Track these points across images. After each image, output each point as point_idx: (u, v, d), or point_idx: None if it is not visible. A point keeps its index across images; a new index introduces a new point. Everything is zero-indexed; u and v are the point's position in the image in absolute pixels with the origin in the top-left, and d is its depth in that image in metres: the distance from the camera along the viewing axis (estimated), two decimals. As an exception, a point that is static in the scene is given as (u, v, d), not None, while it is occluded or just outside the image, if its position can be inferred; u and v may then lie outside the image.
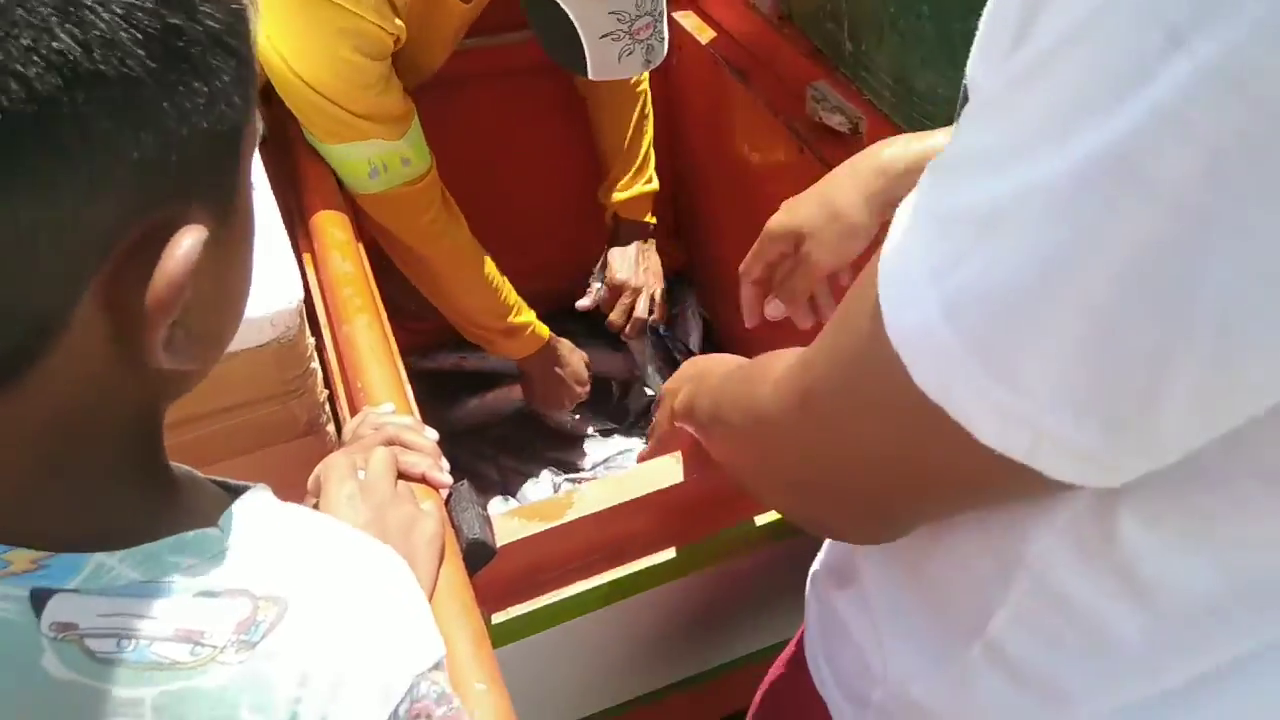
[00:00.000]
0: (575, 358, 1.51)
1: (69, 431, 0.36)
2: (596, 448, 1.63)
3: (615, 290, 1.49)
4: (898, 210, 0.37)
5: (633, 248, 1.51)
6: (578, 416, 1.65)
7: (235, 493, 0.42)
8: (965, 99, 0.39)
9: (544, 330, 1.43)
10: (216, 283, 0.37)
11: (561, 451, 1.62)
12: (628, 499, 0.78)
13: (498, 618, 0.76)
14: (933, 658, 0.50)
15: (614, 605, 0.78)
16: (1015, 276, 0.31)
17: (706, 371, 0.66)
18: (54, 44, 0.29)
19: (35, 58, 0.29)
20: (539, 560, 0.75)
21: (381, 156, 1.13)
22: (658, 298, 1.52)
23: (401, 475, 0.72)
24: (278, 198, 0.97)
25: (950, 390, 0.33)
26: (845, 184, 0.80)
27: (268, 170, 0.98)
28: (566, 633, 0.77)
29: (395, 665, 0.40)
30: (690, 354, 1.61)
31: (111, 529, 0.37)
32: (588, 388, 1.54)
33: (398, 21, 1.06)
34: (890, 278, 0.35)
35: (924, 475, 0.39)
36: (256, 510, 0.41)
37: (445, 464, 0.76)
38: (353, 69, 1.05)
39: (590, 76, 1.16)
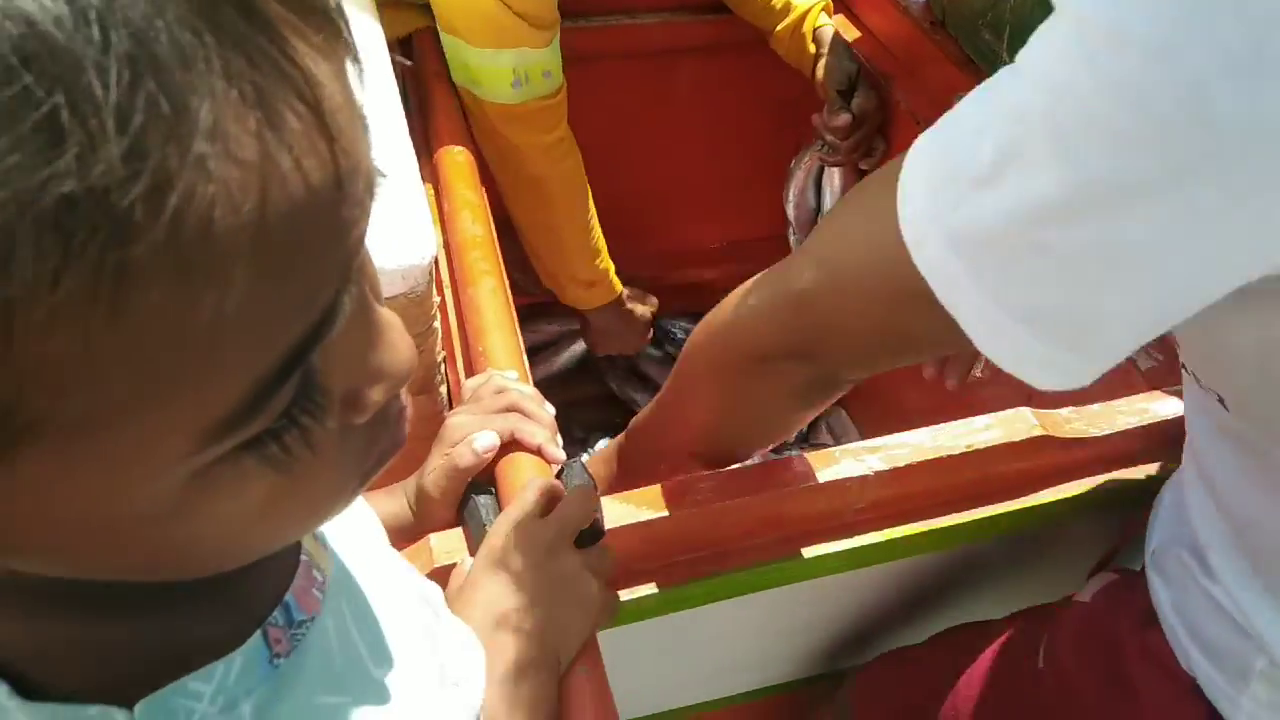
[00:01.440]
0: (642, 308, 1.52)
1: None
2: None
3: (859, 120, 1.34)
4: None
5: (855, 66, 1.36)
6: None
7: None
8: None
9: (618, 284, 1.44)
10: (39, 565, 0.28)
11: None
12: (745, 496, 0.75)
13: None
14: None
15: (720, 602, 0.75)
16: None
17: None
18: None
19: None
20: (646, 548, 0.73)
21: (526, 66, 1.15)
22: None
23: (518, 445, 0.71)
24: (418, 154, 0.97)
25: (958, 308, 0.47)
26: None
27: (408, 123, 0.97)
28: (670, 623, 0.75)
29: None
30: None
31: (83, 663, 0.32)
32: (650, 336, 1.56)
33: None
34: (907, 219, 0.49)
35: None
36: (185, 709, 0.32)
37: (560, 439, 0.75)
38: None
39: None
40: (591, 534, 0.66)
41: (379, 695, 0.39)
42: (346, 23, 0.26)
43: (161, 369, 0.23)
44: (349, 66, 0.26)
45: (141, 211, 0.20)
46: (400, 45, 1.26)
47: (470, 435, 0.69)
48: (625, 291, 1.47)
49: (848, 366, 0.64)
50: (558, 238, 1.35)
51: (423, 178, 1.06)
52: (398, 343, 0.31)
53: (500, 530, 0.62)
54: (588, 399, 1.70)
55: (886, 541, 0.77)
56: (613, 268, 1.43)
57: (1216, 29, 0.36)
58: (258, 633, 0.35)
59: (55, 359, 0.21)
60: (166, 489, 0.26)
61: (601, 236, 1.38)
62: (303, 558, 0.39)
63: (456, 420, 0.72)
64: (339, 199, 0.25)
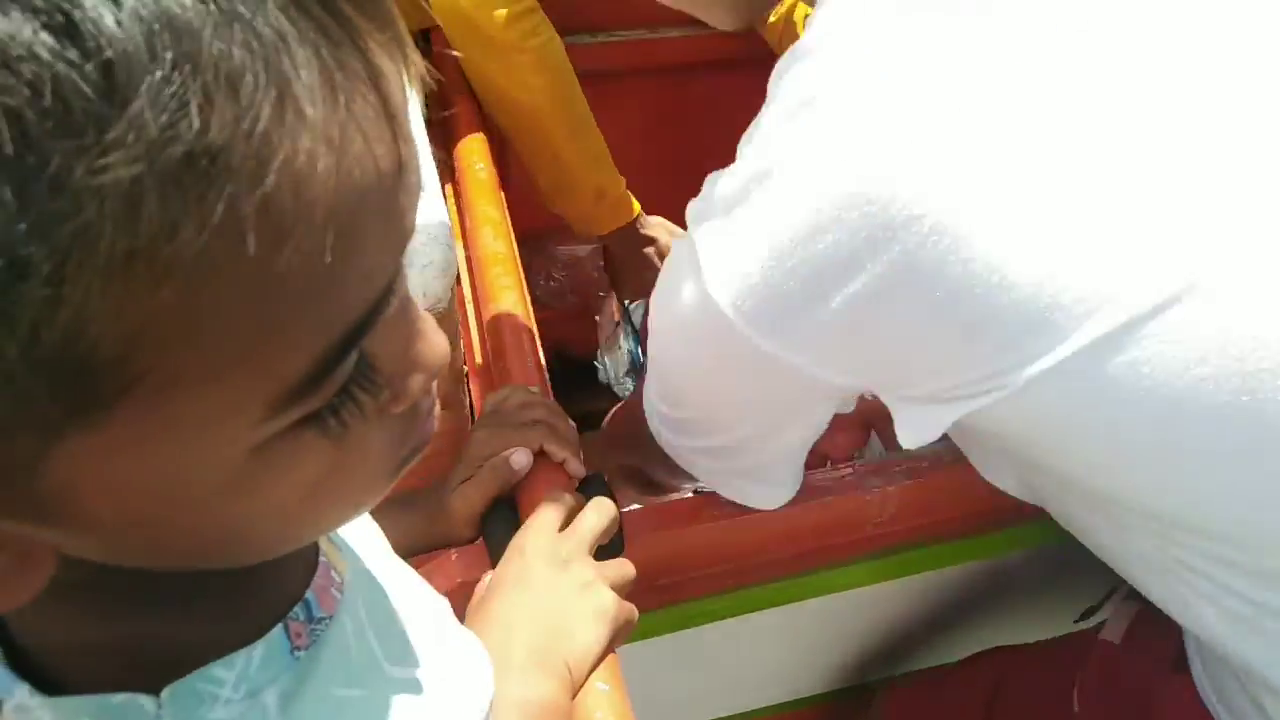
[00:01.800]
0: (664, 233, 1.41)
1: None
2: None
3: None
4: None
5: None
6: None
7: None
8: None
9: (635, 204, 1.35)
10: (91, 551, 0.29)
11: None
12: (762, 511, 0.76)
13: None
14: None
15: (739, 618, 0.75)
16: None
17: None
18: None
19: None
20: (666, 563, 0.74)
21: None
22: None
23: (540, 459, 0.72)
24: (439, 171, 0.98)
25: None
26: None
27: (429, 135, 0.98)
28: (689, 638, 0.75)
29: None
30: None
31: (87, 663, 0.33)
32: None
33: None
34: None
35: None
36: (208, 695, 0.34)
37: (581, 454, 0.75)
38: None
39: None
40: (610, 548, 0.66)
41: (395, 691, 0.40)
42: (404, 27, 0.28)
43: (248, 329, 0.25)
44: (403, 69, 0.28)
45: (249, 171, 0.23)
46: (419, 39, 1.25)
47: (504, 453, 0.70)
48: (642, 216, 1.36)
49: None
50: (560, 155, 1.24)
51: (444, 193, 1.07)
52: (433, 336, 0.33)
53: (520, 543, 0.63)
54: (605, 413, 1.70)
55: (909, 556, 0.77)
56: (624, 184, 1.32)
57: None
58: (279, 626, 0.36)
59: (163, 312, 0.23)
60: (232, 459, 0.27)
61: (608, 153, 1.29)
62: (321, 559, 0.40)
63: (480, 435, 0.73)
64: (398, 185, 0.27)
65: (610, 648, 0.60)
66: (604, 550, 0.65)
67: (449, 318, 0.86)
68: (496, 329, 0.87)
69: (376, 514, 0.48)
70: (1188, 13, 0.52)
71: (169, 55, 0.21)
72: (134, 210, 0.21)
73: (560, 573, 0.60)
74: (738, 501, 0.73)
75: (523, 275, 0.98)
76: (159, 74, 0.21)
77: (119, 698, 0.32)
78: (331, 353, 0.27)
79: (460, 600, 0.59)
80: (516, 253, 1.00)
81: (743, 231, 0.53)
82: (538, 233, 1.46)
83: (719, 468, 0.72)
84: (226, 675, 0.34)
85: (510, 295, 0.90)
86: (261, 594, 0.37)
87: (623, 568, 0.64)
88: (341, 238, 0.25)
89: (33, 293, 0.21)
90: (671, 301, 0.60)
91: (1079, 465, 0.57)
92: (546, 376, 0.84)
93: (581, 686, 0.58)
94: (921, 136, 0.48)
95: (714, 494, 0.74)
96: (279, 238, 0.24)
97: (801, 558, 0.76)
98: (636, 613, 0.62)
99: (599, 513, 0.66)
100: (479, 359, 0.92)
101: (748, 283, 0.53)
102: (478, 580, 0.65)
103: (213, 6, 0.22)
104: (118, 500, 0.27)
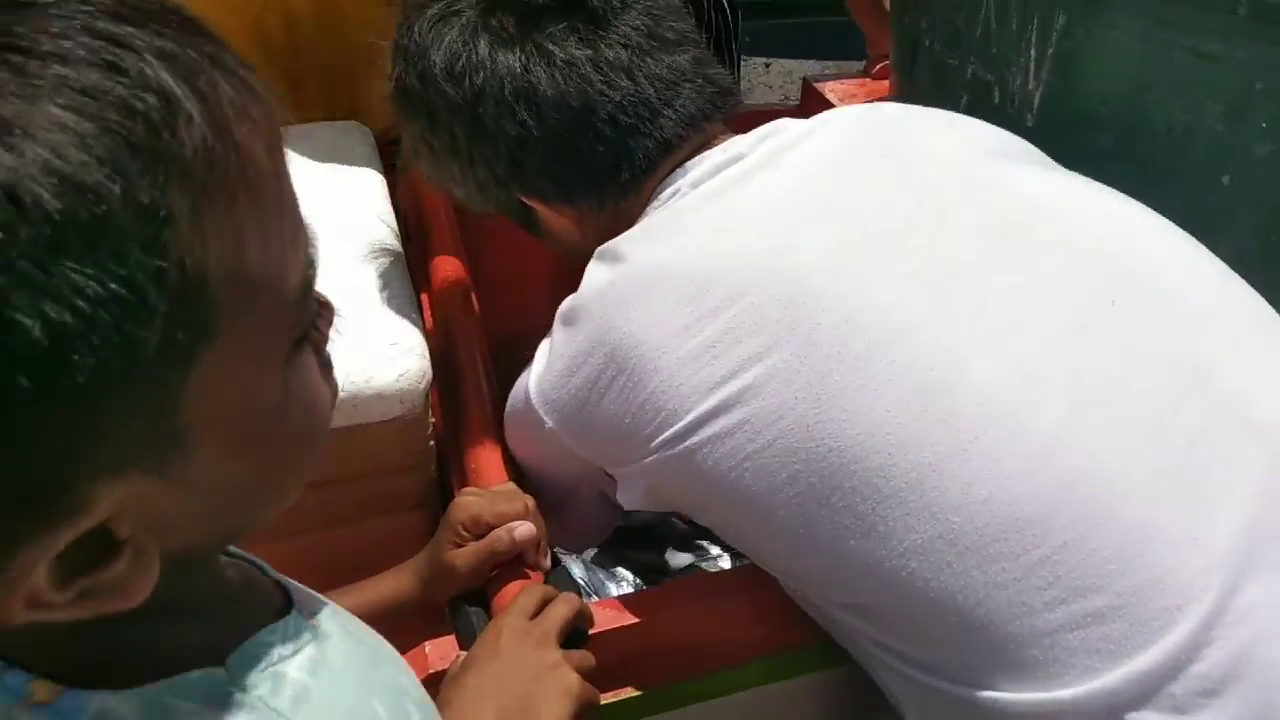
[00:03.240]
0: None
1: None
2: (679, 557, 1.64)
3: None
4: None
5: None
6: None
7: (290, 601, 0.44)
8: None
9: None
10: (199, 508, 0.36)
11: (644, 553, 1.63)
12: (720, 601, 0.80)
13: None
14: None
15: (702, 704, 0.79)
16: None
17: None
18: None
19: None
20: (629, 652, 0.77)
21: None
22: None
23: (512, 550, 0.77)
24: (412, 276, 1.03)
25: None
26: None
27: (403, 245, 1.04)
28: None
29: None
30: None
31: (132, 662, 0.38)
32: None
33: None
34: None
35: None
36: (273, 643, 0.40)
37: (548, 551, 0.81)
38: None
39: None
40: (576, 636, 0.71)
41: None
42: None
43: (279, 247, 0.36)
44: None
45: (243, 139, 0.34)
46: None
47: (510, 524, 0.77)
48: None
49: None
50: None
51: (419, 303, 1.12)
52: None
53: (497, 625, 0.69)
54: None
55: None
56: None
57: None
58: (293, 610, 0.44)
59: (243, 238, 0.33)
60: (280, 376, 0.37)
61: None
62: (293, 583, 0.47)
63: (465, 500, 0.79)
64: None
65: None
66: (570, 638, 0.70)
67: (422, 423, 0.91)
68: (467, 432, 0.92)
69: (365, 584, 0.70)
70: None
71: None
72: (225, 152, 0.32)
73: (532, 652, 0.66)
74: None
75: (493, 380, 1.03)
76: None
77: (195, 674, 0.38)
78: (309, 269, 0.38)
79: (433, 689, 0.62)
80: (487, 360, 1.06)
81: (550, 354, 0.80)
82: (510, 337, 1.51)
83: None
84: (274, 639, 0.41)
85: (479, 399, 0.95)
86: (237, 611, 0.43)
87: (585, 658, 0.70)
88: (288, 194, 0.37)
89: (179, 234, 0.31)
90: (514, 393, 0.86)
91: (721, 527, 0.79)
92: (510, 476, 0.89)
93: None
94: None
95: (673, 586, 0.78)
96: (284, 168, 0.36)
97: (759, 643, 0.80)
98: (599, 696, 0.67)
99: (567, 604, 0.72)
100: (450, 459, 0.96)
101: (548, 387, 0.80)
102: (445, 670, 0.69)
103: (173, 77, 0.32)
104: (225, 427, 0.35)
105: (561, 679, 0.65)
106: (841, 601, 0.72)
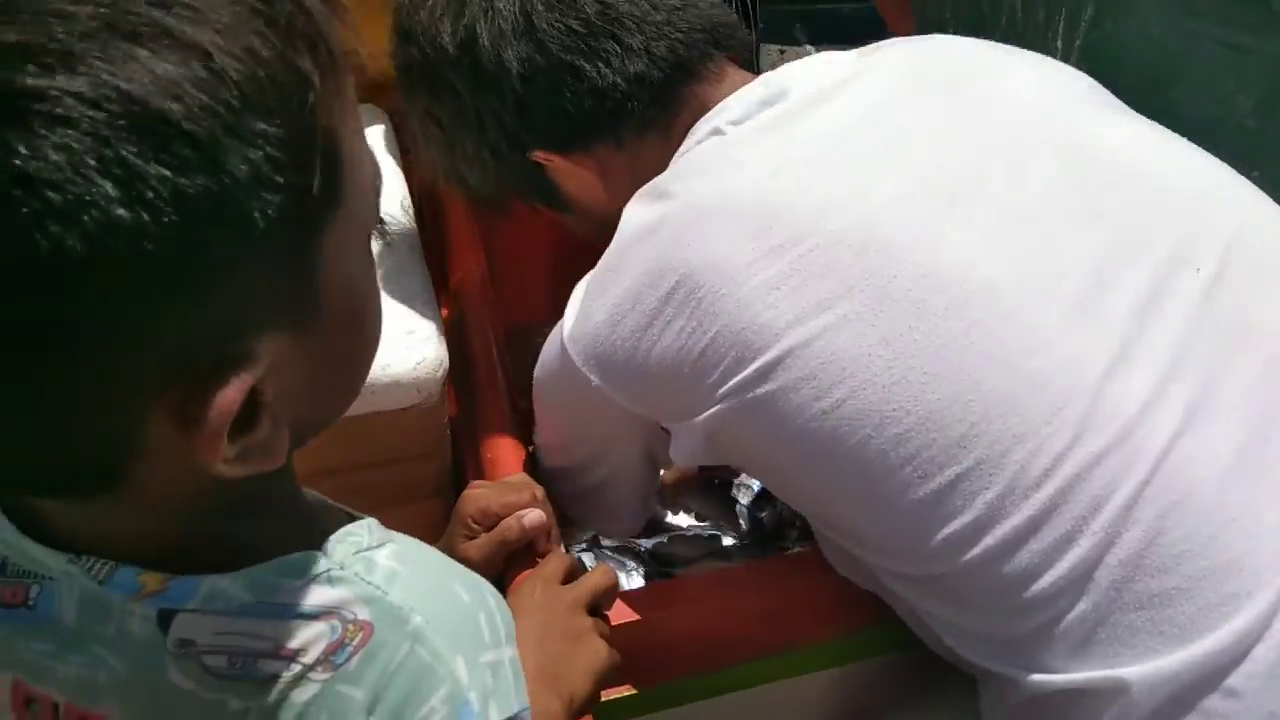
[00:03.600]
0: None
1: (183, 499, 0.40)
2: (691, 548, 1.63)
3: None
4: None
5: None
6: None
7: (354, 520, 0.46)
8: None
9: None
10: (308, 380, 0.40)
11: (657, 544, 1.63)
12: (732, 596, 0.79)
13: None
14: None
15: (715, 699, 0.79)
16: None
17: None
18: (140, 189, 0.31)
19: (119, 209, 0.31)
20: (642, 645, 0.77)
21: None
22: None
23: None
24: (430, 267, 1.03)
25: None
26: None
27: (422, 238, 1.04)
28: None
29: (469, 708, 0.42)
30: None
31: (231, 552, 0.41)
32: None
33: None
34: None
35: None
36: (359, 536, 0.44)
37: (560, 539, 0.82)
38: None
39: None
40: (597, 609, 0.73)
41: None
42: None
43: (360, 139, 0.40)
44: None
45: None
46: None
47: (519, 512, 0.77)
48: None
49: None
50: None
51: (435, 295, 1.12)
52: None
53: (530, 585, 0.71)
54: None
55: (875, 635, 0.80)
56: None
57: None
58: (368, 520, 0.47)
59: (351, 120, 0.39)
60: (367, 254, 0.42)
61: None
62: None
63: (473, 493, 0.79)
64: None
65: (599, 689, 0.67)
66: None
67: (438, 411, 0.91)
68: (483, 422, 0.91)
69: None
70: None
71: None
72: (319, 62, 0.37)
73: (566, 615, 0.68)
74: (588, 523, 0.95)
75: (508, 369, 1.03)
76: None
77: (295, 556, 0.41)
78: (377, 174, 0.42)
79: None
80: (502, 348, 1.05)
81: (586, 304, 0.74)
82: (522, 328, 1.51)
83: (568, 489, 0.87)
84: (359, 530, 0.44)
85: (494, 389, 0.94)
86: (318, 518, 0.46)
87: (605, 626, 0.71)
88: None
89: (319, 98, 0.36)
90: (545, 351, 0.80)
91: (781, 486, 0.77)
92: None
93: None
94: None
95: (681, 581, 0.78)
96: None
97: (768, 640, 0.79)
98: (620, 660, 0.69)
99: (604, 575, 0.73)
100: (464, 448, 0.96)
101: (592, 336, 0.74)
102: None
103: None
104: (343, 295, 0.40)
105: (592, 644, 0.67)
106: (906, 574, 0.70)
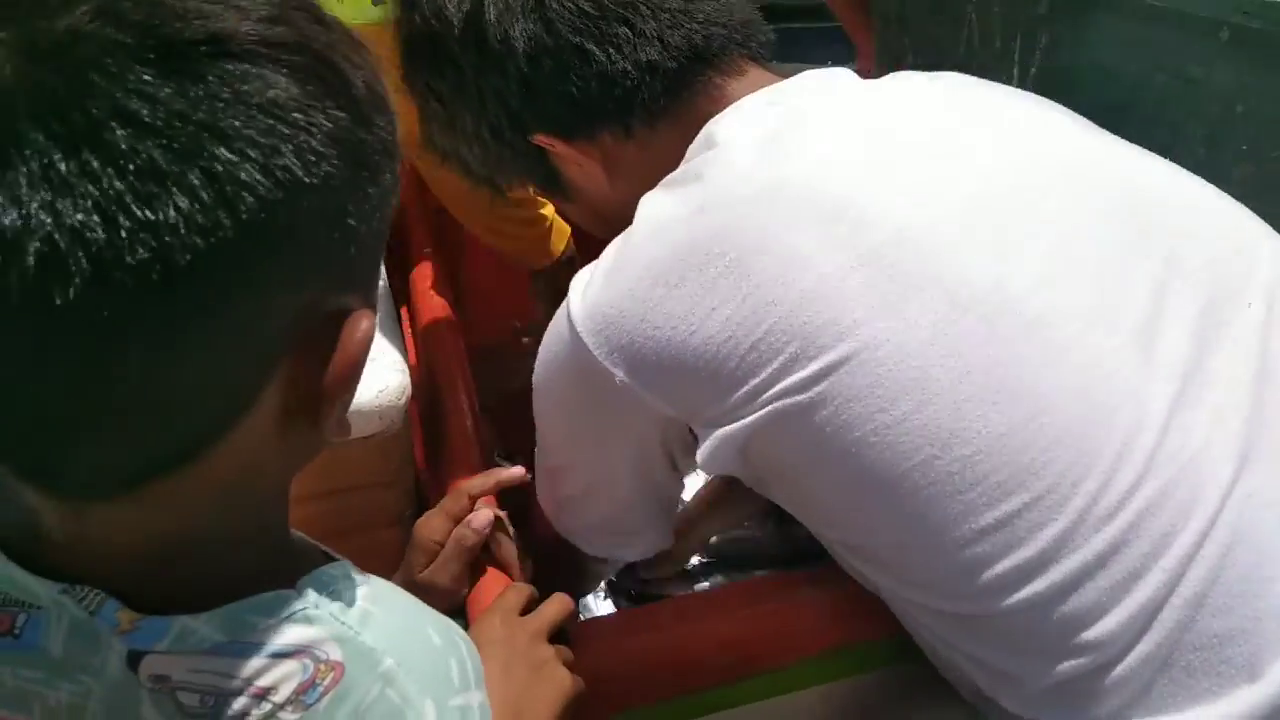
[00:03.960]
0: None
1: (227, 503, 0.41)
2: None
3: None
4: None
5: None
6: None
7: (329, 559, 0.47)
8: None
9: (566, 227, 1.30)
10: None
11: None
12: (705, 620, 0.79)
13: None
14: None
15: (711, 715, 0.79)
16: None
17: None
18: (279, 161, 0.35)
19: (262, 176, 0.35)
20: (613, 669, 0.77)
21: None
22: None
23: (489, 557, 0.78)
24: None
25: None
26: None
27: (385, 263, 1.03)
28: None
29: None
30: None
31: (209, 581, 0.42)
32: None
33: None
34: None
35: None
36: (334, 576, 0.44)
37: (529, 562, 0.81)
38: None
39: None
40: (559, 633, 0.72)
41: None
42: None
43: None
44: None
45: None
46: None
47: (466, 519, 0.77)
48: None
49: None
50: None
51: (399, 316, 1.12)
52: None
53: (487, 619, 0.70)
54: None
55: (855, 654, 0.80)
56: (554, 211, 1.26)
57: None
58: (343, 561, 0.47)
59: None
60: None
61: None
62: None
63: (422, 521, 0.79)
64: None
65: (565, 718, 0.66)
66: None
67: (401, 439, 0.90)
68: (447, 444, 0.91)
69: None
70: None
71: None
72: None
73: (527, 647, 0.68)
74: (611, 558, 0.87)
75: (474, 394, 1.03)
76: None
77: (268, 595, 0.41)
78: None
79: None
80: (468, 373, 1.05)
81: (605, 278, 0.67)
82: (490, 346, 1.51)
83: (579, 524, 0.82)
84: (336, 572, 0.44)
85: (459, 415, 0.94)
86: (296, 555, 0.47)
87: (568, 653, 0.71)
88: None
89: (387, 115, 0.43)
90: (546, 346, 0.72)
91: (812, 508, 0.70)
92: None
93: None
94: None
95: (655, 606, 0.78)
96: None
97: (744, 662, 0.79)
98: (584, 687, 0.68)
99: (560, 604, 0.72)
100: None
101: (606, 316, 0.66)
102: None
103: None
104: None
105: (555, 673, 0.67)
106: (954, 612, 0.65)
